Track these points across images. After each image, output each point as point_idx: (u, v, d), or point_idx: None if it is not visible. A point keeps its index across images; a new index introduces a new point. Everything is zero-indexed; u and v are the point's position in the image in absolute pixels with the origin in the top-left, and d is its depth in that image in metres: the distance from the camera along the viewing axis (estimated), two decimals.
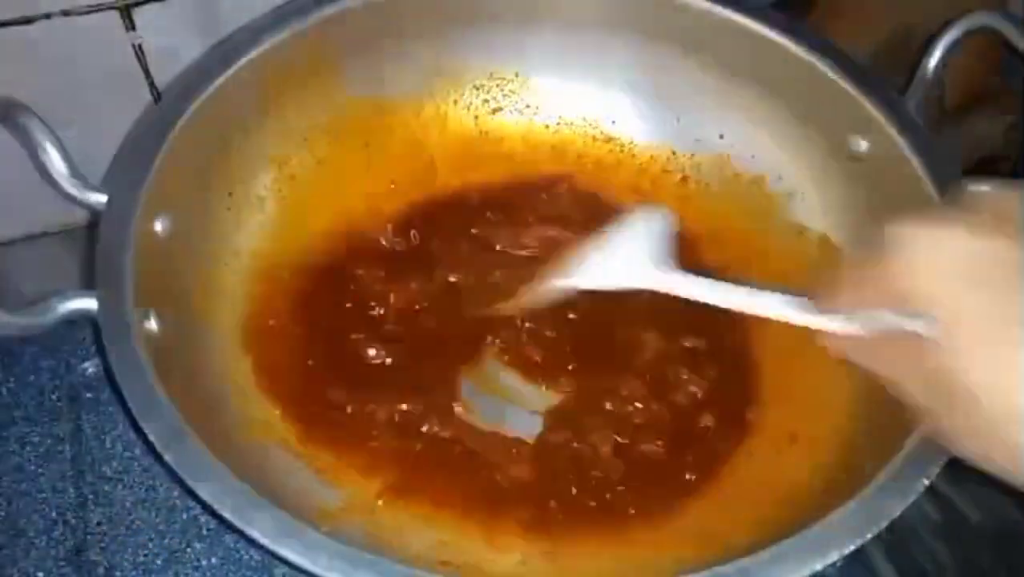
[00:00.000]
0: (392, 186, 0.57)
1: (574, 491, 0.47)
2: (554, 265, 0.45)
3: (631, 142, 0.60)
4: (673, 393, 0.50)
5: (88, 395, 0.55)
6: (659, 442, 0.48)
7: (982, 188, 0.34)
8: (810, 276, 0.52)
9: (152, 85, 0.54)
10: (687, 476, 0.47)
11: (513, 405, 0.50)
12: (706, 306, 0.40)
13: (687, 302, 0.40)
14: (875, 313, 0.34)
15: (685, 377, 0.50)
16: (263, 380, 0.48)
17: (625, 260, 0.42)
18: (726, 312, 0.40)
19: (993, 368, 0.30)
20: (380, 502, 0.46)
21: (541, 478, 0.47)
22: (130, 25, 0.51)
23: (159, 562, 0.49)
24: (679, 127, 0.58)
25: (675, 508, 0.47)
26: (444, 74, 0.58)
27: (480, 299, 0.52)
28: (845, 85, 0.51)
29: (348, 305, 0.52)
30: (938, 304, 0.31)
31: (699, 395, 0.50)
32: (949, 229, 0.32)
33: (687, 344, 0.52)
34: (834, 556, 0.36)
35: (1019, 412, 0.30)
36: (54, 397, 0.55)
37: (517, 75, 0.60)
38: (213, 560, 0.49)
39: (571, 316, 0.52)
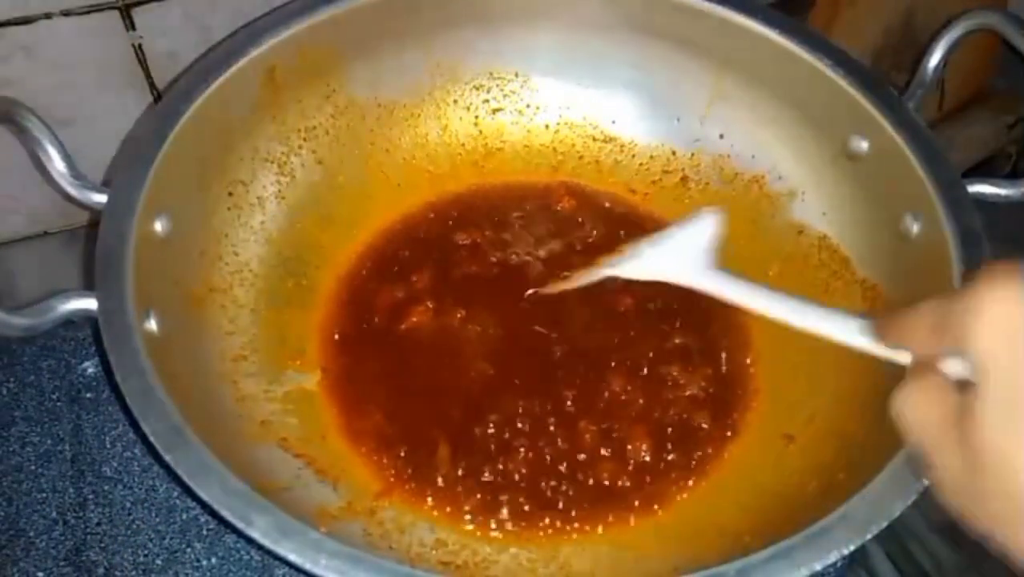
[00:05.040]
0: (392, 186, 0.57)
1: (571, 491, 0.47)
2: (610, 255, 0.46)
3: (631, 142, 0.60)
4: (667, 392, 0.50)
5: (88, 395, 0.55)
6: (655, 442, 0.48)
7: None
8: (811, 277, 0.53)
9: (152, 85, 0.54)
10: (684, 476, 0.48)
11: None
12: (702, 304, 0.40)
13: (683, 300, 0.41)
14: (925, 348, 0.32)
15: (677, 375, 0.50)
16: None
17: (677, 258, 0.43)
18: (723, 309, 0.40)
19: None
20: (380, 502, 0.46)
21: (537, 477, 0.47)
22: (130, 25, 0.51)
23: (159, 562, 0.49)
24: (679, 127, 0.58)
25: (673, 508, 0.47)
26: (444, 74, 0.58)
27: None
28: (845, 85, 0.51)
29: (348, 305, 0.52)
30: (993, 360, 0.28)
31: (694, 394, 0.50)
32: None
33: (679, 342, 0.52)
34: (834, 556, 0.36)
35: None
36: (54, 397, 0.55)
37: (517, 75, 0.60)
38: (213, 560, 0.49)
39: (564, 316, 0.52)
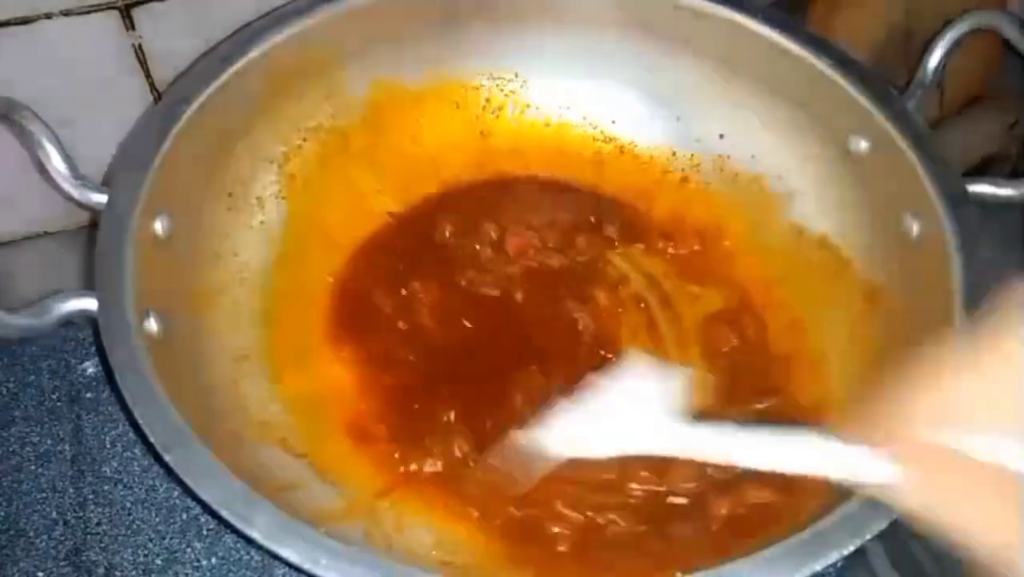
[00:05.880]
0: (392, 186, 0.57)
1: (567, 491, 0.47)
2: (540, 423, 0.39)
3: (631, 142, 0.60)
4: None
5: (88, 395, 0.55)
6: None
7: None
8: (811, 277, 0.53)
9: (152, 85, 0.54)
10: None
11: None
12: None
13: None
14: (966, 444, 0.26)
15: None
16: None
17: (623, 423, 0.36)
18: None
19: None
20: (380, 502, 0.46)
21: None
22: (130, 25, 0.51)
23: (159, 562, 0.49)
24: (679, 127, 0.58)
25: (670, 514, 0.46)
26: (444, 74, 0.58)
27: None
28: (845, 85, 0.51)
29: (348, 304, 0.52)
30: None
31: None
32: None
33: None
34: (834, 556, 0.36)
35: None
36: (54, 397, 0.55)
37: (517, 75, 0.60)
38: (213, 560, 0.49)
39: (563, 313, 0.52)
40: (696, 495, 0.45)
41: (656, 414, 0.36)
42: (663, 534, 0.44)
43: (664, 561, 0.41)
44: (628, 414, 0.36)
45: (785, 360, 0.51)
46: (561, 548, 0.44)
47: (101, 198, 0.44)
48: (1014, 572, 0.26)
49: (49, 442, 0.53)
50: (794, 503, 0.42)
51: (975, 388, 0.26)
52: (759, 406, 0.49)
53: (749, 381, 0.50)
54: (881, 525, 0.37)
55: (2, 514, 0.50)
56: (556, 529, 0.44)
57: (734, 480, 0.44)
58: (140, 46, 0.53)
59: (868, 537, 0.37)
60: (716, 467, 0.42)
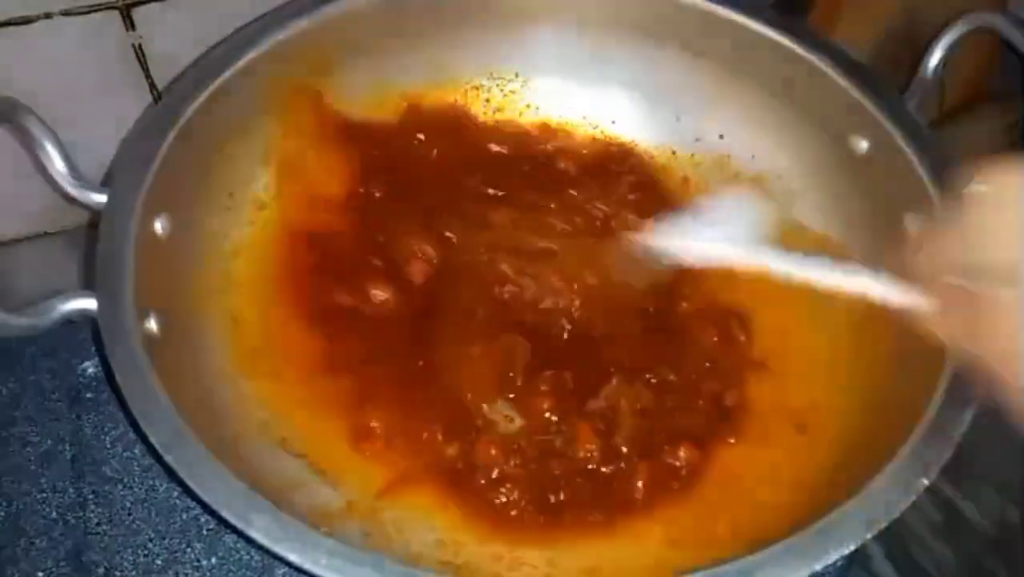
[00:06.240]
0: (392, 186, 0.57)
1: (563, 494, 0.47)
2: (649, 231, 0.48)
3: (631, 142, 0.60)
4: (662, 394, 0.50)
5: (88, 395, 0.55)
6: (652, 440, 0.48)
7: None
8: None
9: (152, 85, 0.54)
10: (679, 476, 0.47)
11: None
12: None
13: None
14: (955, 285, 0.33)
15: (673, 379, 0.50)
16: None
17: (717, 235, 0.45)
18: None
19: None
20: (380, 502, 0.46)
21: (540, 477, 0.47)
22: (130, 25, 0.51)
23: (159, 562, 0.49)
24: (679, 127, 0.58)
25: (669, 507, 0.47)
26: (444, 74, 0.58)
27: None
28: (845, 85, 0.51)
29: (348, 304, 0.52)
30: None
31: (696, 391, 0.50)
32: None
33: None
34: (834, 556, 0.36)
35: None
36: (54, 397, 0.55)
37: (517, 75, 0.60)
38: (213, 560, 0.49)
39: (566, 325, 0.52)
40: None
41: (742, 234, 0.44)
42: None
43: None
44: (723, 230, 0.45)
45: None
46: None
47: (101, 198, 0.44)
48: (1016, 376, 0.31)
49: (49, 442, 0.53)
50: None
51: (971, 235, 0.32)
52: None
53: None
54: (881, 525, 0.37)
55: (2, 514, 0.50)
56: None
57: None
58: (140, 46, 0.53)
59: (868, 537, 0.37)
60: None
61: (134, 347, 0.40)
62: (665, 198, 0.57)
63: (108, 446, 0.53)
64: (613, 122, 0.60)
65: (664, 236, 0.47)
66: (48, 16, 0.49)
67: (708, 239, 0.46)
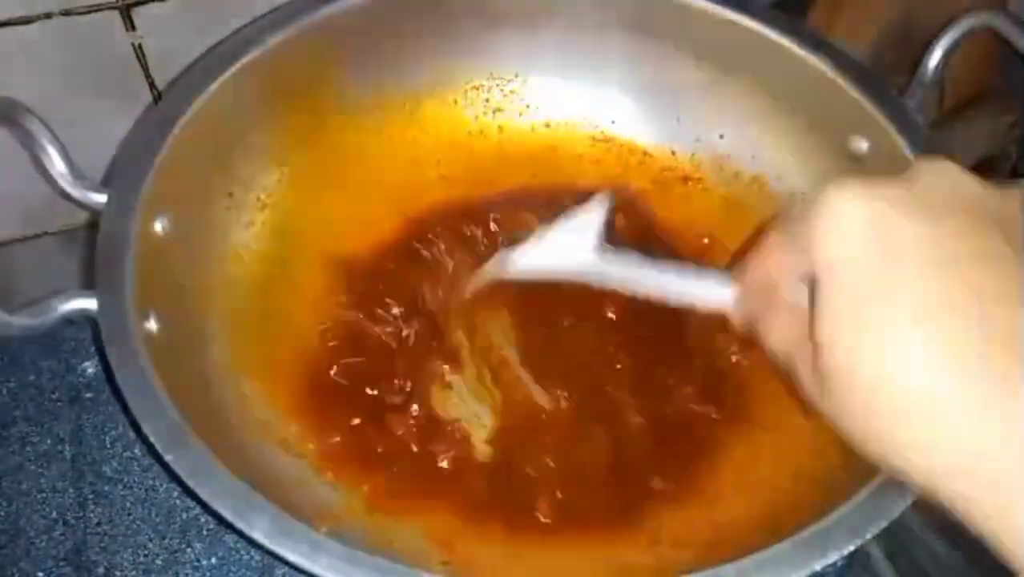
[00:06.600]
0: (392, 186, 0.57)
1: (560, 495, 0.47)
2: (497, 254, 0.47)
3: (631, 142, 0.60)
4: (662, 396, 0.50)
5: (88, 395, 0.55)
6: (651, 442, 0.48)
7: (946, 166, 0.30)
8: None
9: (152, 85, 0.54)
10: (680, 476, 0.47)
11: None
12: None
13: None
14: (771, 279, 0.33)
15: (672, 382, 0.50)
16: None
17: (557, 247, 0.44)
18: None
19: (868, 350, 0.27)
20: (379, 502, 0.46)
21: (543, 477, 0.47)
22: (130, 25, 0.51)
23: (159, 562, 0.49)
24: (679, 127, 0.59)
25: (669, 507, 0.47)
26: (444, 74, 0.58)
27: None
28: (845, 85, 0.51)
29: (348, 303, 0.52)
30: (837, 272, 0.28)
31: (687, 398, 0.50)
32: (882, 199, 0.28)
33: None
34: (834, 556, 0.36)
35: (892, 400, 0.27)
36: (54, 397, 0.55)
37: (517, 75, 0.60)
38: (213, 560, 0.49)
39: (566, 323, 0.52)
40: None
41: (586, 246, 0.42)
42: None
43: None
44: (567, 243, 0.43)
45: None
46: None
47: (101, 198, 0.44)
48: (798, 371, 0.31)
49: (49, 442, 0.53)
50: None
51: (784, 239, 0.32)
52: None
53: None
54: (881, 525, 0.37)
55: (2, 514, 0.50)
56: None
57: None
58: (140, 46, 0.53)
59: (868, 537, 0.37)
60: None
61: (134, 347, 0.40)
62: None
63: (108, 446, 0.53)
64: (613, 122, 0.60)
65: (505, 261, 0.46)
66: (48, 16, 0.49)
67: (541, 255, 0.44)
